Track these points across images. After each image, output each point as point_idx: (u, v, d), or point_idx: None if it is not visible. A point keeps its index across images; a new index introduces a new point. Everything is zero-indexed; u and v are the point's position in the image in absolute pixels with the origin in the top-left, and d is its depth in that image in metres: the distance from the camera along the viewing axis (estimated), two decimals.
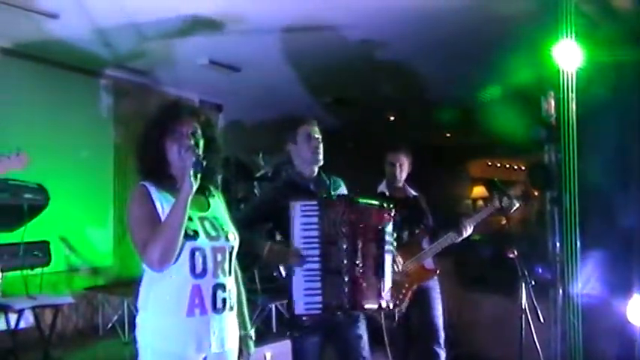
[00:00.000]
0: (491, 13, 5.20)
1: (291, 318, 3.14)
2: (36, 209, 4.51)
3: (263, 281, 5.81)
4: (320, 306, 3.04)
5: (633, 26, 4.42)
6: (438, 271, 4.42)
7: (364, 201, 3.24)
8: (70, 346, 5.81)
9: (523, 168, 11.75)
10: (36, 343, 4.34)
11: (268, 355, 4.16)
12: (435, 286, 4.47)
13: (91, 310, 6.65)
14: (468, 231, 4.29)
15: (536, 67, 4.84)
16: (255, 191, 7.17)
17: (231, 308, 2.46)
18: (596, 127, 4.54)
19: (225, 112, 8.68)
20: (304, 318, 3.11)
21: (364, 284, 3.08)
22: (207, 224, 2.40)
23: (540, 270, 4.97)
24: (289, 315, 3.15)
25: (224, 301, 2.39)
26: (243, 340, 2.58)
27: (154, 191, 2.37)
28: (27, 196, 4.41)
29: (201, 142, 2.44)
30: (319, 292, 3.04)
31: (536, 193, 5.94)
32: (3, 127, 5.86)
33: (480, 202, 12.39)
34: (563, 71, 4.44)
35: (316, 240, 3.08)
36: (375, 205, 3.27)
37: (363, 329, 3.31)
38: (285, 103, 8.51)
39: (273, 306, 5.52)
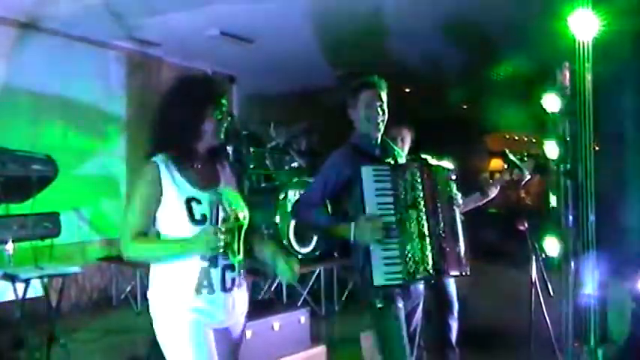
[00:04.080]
0: None
1: (367, 290, 2.93)
2: (45, 180, 4.49)
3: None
4: (401, 276, 2.86)
5: None
6: None
7: (432, 162, 3.15)
8: (83, 316, 5.88)
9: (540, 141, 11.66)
10: (44, 313, 4.36)
11: (276, 326, 4.18)
12: None
13: (104, 281, 6.72)
14: (493, 192, 4.22)
15: (551, 38, 4.75)
16: (267, 162, 7.15)
17: (242, 285, 2.48)
18: (612, 98, 4.46)
19: (238, 83, 8.65)
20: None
21: (447, 249, 2.95)
22: (217, 205, 2.37)
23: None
24: (365, 286, 2.95)
25: (233, 280, 2.41)
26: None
27: (164, 169, 2.35)
28: (35, 167, 4.38)
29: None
30: (399, 260, 2.85)
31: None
32: (15, 100, 5.90)
33: (498, 175, 12.38)
34: (578, 41, 4.33)
35: (392, 206, 2.89)
36: (444, 166, 3.15)
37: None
38: (298, 75, 8.48)
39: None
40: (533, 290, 3.99)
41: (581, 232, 4.43)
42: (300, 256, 5.96)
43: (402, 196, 2.92)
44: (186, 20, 6.14)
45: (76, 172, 6.34)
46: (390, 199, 2.90)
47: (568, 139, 4.80)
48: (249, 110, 8.68)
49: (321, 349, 4.51)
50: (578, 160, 4.39)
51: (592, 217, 4.35)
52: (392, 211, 2.89)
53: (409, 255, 2.87)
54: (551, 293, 3.99)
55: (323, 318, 5.69)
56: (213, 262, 2.33)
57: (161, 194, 2.32)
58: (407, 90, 9.78)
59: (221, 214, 2.35)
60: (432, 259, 2.90)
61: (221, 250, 2.23)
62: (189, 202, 2.31)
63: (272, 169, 7.14)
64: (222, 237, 2.21)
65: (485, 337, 4.91)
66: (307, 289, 5.82)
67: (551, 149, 4.79)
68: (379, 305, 2.95)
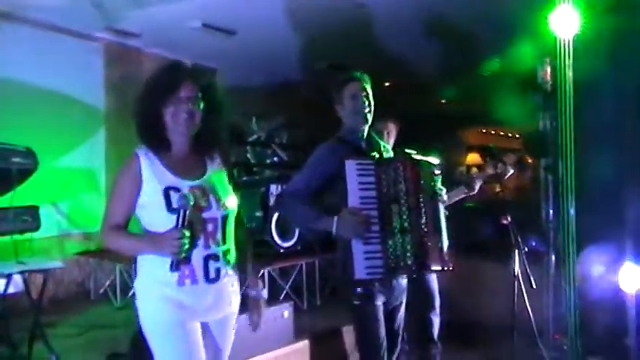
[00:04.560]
0: None
1: (347, 284, 2.97)
2: (25, 173, 4.42)
3: (256, 245, 5.80)
4: (382, 270, 2.88)
5: None
6: None
7: (417, 156, 3.13)
8: (61, 310, 5.80)
9: (518, 136, 11.83)
10: (26, 308, 4.31)
11: None
12: None
13: (83, 275, 6.65)
14: (477, 186, 4.24)
15: (532, 34, 4.79)
16: (248, 155, 7.13)
17: (228, 275, 2.46)
18: (592, 94, 4.51)
19: (219, 76, 8.59)
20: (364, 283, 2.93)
21: (429, 243, 2.92)
22: (197, 193, 2.34)
23: (534, 243, 4.97)
24: (344, 282, 2.99)
25: (218, 270, 2.39)
26: (252, 301, 2.61)
27: (145, 160, 2.35)
28: (15, 159, 4.31)
29: (201, 106, 2.41)
30: (380, 255, 2.87)
31: (530, 161, 5.93)
32: None
33: (475, 169, 12.51)
34: (559, 38, 4.37)
35: (374, 200, 2.92)
36: (429, 161, 3.14)
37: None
38: (279, 68, 8.44)
39: (267, 271, 5.51)
40: (515, 283, 4.03)
41: (561, 226, 4.50)
42: (282, 250, 5.97)
43: (385, 191, 2.93)
44: (168, 11, 6.06)
45: (54, 164, 6.25)
46: (373, 194, 2.92)
47: (548, 133, 4.87)
48: (229, 102, 8.60)
49: (304, 344, 4.52)
50: (559, 155, 4.45)
51: (572, 211, 4.41)
52: (375, 206, 2.91)
53: (390, 250, 2.88)
54: (534, 285, 4.03)
55: (305, 312, 5.68)
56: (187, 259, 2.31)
57: (141, 184, 2.32)
58: (386, 84, 9.80)
59: (202, 203, 2.33)
60: (414, 254, 2.89)
61: (183, 255, 2.23)
62: (167, 190, 2.30)
63: (254, 162, 7.12)
64: (186, 241, 2.21)
65: (468, 331, 4.95)
66: (289, 283, 5.81)
67: (532, 144, 4.84)
68: (356, 302, 2.99)
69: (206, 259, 2.35)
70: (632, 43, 4.37)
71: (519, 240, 4.11)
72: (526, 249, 4.13)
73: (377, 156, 3.16)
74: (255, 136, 7.15)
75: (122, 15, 6.21)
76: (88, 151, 6.84)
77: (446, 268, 3.02)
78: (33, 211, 4.46)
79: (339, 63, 8.11)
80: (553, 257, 4.89)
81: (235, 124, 6.92)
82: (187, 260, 2.30)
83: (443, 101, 11.90)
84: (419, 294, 4.33)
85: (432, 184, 3.07)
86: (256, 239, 5.83)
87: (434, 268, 3.01)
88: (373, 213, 2.91)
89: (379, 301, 3.02)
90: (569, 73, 4.37)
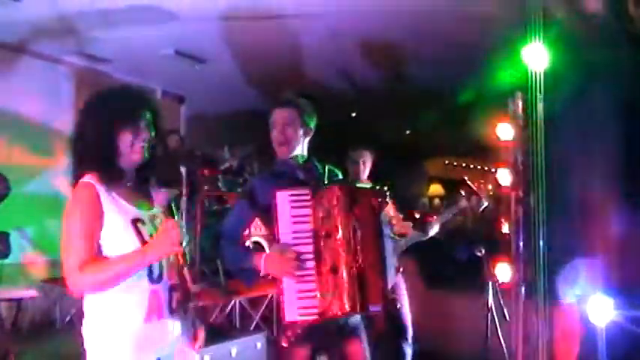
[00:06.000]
0: (463, 14, 5.24)
1: (280, 326, 2.74)
2: None
3: (226, 275, 5.73)
4: (316, 311, 2.62)
5: (602, 28, 4.47)
6: (401, 269, 4.39)
7: (360, 186, 3.00)
8: (26, 340, 5.65)
9: (479, 167, 11.93)
10: None
11: (234, 351, 4.12)
12: (400, 282, 4.46)
13: (49, 303, 6.49)
14: (433, 230, 4.31)
15: (504, 69, 4.87)
16: (219, 184, 7.07)
17: (182, 307, 2.38)
18: (563, 127, 4.59)
19: (187, 103, 8.57)
20: (296, 325, 2.69)
21: (366, 282, 2.64)
22: (157, 223, 2.24)
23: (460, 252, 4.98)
24: (279, 322, 2.76)
25: (178, 302, 2.31)
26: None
27: (101, 189, 2.16)
28: None
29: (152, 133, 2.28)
30: (314, 294, 2.63)
31: (490, 192, 5.99)
32: None
33: (437, 201, 12.59)
34: (531, 72, 4.46)
35: (309, 234, 2.67)
36: (371, 189, 2.96)
37: (363, 337, 2.92)
38: (250, 96, 8.45)
39: (237, 301, 5.45)
40: (489, 315, 4.05)
41: (532, 258, 4.54)
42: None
43: (321, 224, 2.69)
44: (141, 37, 6.07)
45: (19, 189, 6.11)
46: (308, 227, 2.69)
47: (520, 167, 4.93)
48: (197, 131, 8.58)
49: None
50: (530, 187, 4.50)
51: (541, 243, 4.46)
52: (309, 240, 2.68)
53: (325, 289, 2.64)
54: (507, 318, 4.06)
55: (276, 342, 5.61)
56: (158, 279, 2.19)
57: (102, 215, 2.12)
58: (352, 114, 9.87)
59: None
60: (349, 294, 2.61)
61: (185, 244, 2.10)
62: (135, 222, 2.17)
63: (224, 191, 7.07)
64: (183, 229, 2.10)
65: None
66: (259, 314, 5.75)
67: (504, 177, 4.89)
68: (283, 344, 2.77)
69: (170, 291, 2.26)
70: (602, 77, 4.47)
71: (492, 272, 4.15)
72: (499, 281, 4.16)
73: (315, 185, 2.84)
74: (226, 164, 7.10)
75: (94, 39, 6.15)
76: (54, 176, 6.72)
77: (388, 309, 2.87)
78: (3, 238, 4.36)
79: (304, 92, 8.16)
80: (523, 289, 4.92)
81: (207, 152, 6.88)
82: (176, 286, 2.25)
83: (407, 132, 12.02)
84: (391, 324, 4.34)
85: (376, 214, 2.79)
86: (227, 268, 5.77)
87: (372, 308, 2.70)
88: (307, 248, 2.67)
89: (304, 350, 2.79)
90: (540, 107, 4.45)
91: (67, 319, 6.17)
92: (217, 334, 4.21)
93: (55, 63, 6.81)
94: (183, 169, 3.26)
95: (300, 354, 2.79)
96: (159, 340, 2.23)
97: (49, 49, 6.54)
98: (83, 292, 2.15)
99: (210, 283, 5.52)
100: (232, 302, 5.30)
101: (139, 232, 2.17)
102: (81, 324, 5.34)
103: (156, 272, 2.20)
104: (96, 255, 2.11)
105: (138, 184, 2.32)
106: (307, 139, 3.04)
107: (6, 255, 4.34)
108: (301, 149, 3.01)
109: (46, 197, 6.59)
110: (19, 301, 4.18)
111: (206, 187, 6.57)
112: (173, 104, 8.52)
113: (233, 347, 4.09)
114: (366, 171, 4.50)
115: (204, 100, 8.46)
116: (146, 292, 2.18)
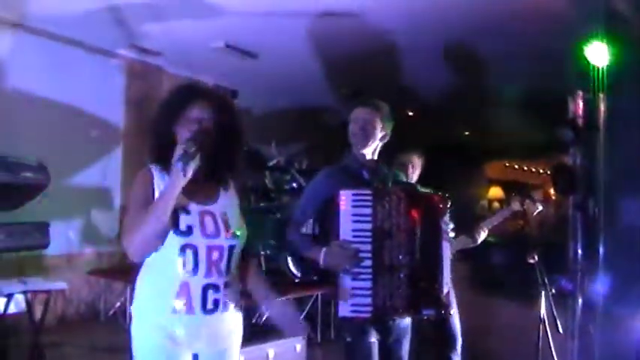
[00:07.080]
0: (516, 10, 5.09)
1: (338, 320, 2.84)
2: (35, 188, 4.29)
3: (270, 274, 5.66)
4: (369, 309, 2.72)
5: None
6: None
7: (422, 190, 3.02)
8: (69, 331, 5.68)
9: (541, 170, 11.65)
10: (28, 328, 4.18)
11: (271, 353, 4.02)
12: (450, 289, 4.28)
13: (93, 296, 6.52)
14: (482, 236, 4.15)
15: (564, 67, 4.65)
16: (266, 181, 7.00)
17: (227, 308, 2.30)
18: (625, 129, 4.33)
19: (240, 98, 8.52)
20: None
21: (422, 284, 2.77)
22: (207, 219, 2.24)
23: (563, 282, 4.77)
24: (328, 321, 2.89)
25: (216, 302, 2.25)
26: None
27: (158, 176, 2.24)
28: (26, 174, 4.18)
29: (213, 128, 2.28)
30: (369, 292, 2.71)
31: (553, 197, 5.75)
32: (11, 104, 5.73)
33: (496, 204, 12.35)
34: (592, 71, 4.23)
35: (368, 234, 2.74)
36: (434, 194, 3.00)
37: (406, 341, 3.02)
38: (301, 93, 8.37)
39: None
40: (541, 327, 3.83)
41: (590, 267, 4.30)
42: (297, 280, 5.81)
43: (380, 225, 2.76)
44: (191, 30, 6.03)
45: (67, 180, 6.16)
46: (368, 226, 2.76)
47: (578, 169, 4.69)
48: (248, 125, 8.53)
49: None
50: (590, 192, 4.27)
51: (601, 251, 4.22)
52: (368, 239, 2.75)
53: (380, 288, 2.73)
54: (560, 330, 3.83)
55: (319, 345, 5.50)
56: (193, 271, 2.18)
57: (152, 200, 2.19)
58: (410, 113, 9.68)
59: (210, 229, 2.22)
60: (404, 295, 2.74)
61: (192, 150, 2.07)
62: (176, 210, 2.16)
63: (271, 187, 6.99)
64: (191, 146, 2.09)
65: None
66: (303, 314, 5.64)
67: (560, 180, 4.67)
68: (348, 339, 2.85)
69: (205, 289, 2.22)
70: None
71: (546, 281, 3.92)
72: (553, 290, 3.93)
73: (378, 186, 2.98)
74: (274, 161, 7.02)
75: (145, 32, 6.14)
76: (103, 168, 6.76)
77: (442, 313, 2.90)
78: (43, 228, 4.34)
79: (362, 90, 8.04)
80: (580, 300, 4.67)
81: (254, 148, 6.80)
82: (216, 286, 2.22)
83: (466, 133, 11.78)
84: (439, 333, 4.17)
85: (438, 218, 2.88)
86: (270, 267, 5.69)
87: (426, 312, 2.84)
88: (366, 247, 2.74)
89: (373, 338, 2.84)
90: (602, 107, 4.22)
91: (111, 312, 6.18)
92: (257, 335, 4.11)
93: (107, 56, 6.84)
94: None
95: (362, 346, 2.83)
96: (188, 333, 2.22)
97: (102, 42, 6.56)
98: (132, 254, 2.15)
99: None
100: None
101: (175, 221, 2.17)
102: (124, 317, 5.36)
103: (190, 265, 2.19)
104: None
105: (205, 178, 2.31)
106: (381, 144, 3.11)
107: (46, 245, 4.30)
108: (373, 151, 3.09)
109: (94, 189, 6.64)
110: (48, 292, 4.15)
111: (250, 183, 6.50)
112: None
113: (270, 349, 4.00)
114: (415, 174, 4.34)
115: (257, 95, 8.40)
116: (176, 282, 2.19)
